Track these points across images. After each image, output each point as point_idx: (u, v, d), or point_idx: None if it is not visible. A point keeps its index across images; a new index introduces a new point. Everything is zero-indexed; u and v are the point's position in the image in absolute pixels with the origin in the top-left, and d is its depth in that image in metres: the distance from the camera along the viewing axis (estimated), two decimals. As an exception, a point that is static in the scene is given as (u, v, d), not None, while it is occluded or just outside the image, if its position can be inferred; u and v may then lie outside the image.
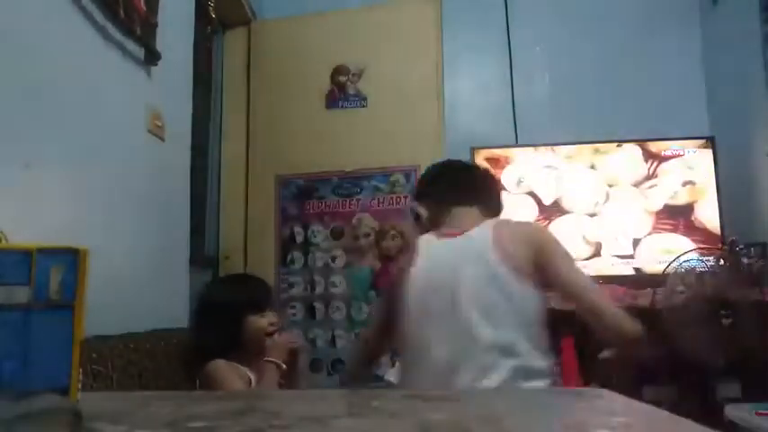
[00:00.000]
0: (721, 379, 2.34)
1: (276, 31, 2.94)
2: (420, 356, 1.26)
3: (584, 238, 2.66)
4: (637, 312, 1.23)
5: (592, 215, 2.67)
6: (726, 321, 2.08)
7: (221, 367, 1.32)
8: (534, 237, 1.30)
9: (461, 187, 1.45)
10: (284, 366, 1.37)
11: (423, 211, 1.46)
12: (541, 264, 1.23)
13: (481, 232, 1.29)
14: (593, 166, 2.71)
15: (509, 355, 1.19)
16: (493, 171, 2.18)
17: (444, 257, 1.30)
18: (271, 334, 1.41)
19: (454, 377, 1.18)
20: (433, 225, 1.43)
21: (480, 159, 2.73)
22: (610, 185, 2.68)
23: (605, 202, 2.67)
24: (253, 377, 1.37)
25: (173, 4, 1.92)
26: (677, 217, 2.63)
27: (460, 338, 1.21)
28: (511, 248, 1.23)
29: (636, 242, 2.62)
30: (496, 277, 1.21)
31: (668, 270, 2.28)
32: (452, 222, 1.39)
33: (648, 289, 2.29)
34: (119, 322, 1.38)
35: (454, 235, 1.33)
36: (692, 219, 2.62)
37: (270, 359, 1.36)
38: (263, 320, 1.42)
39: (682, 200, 2.65)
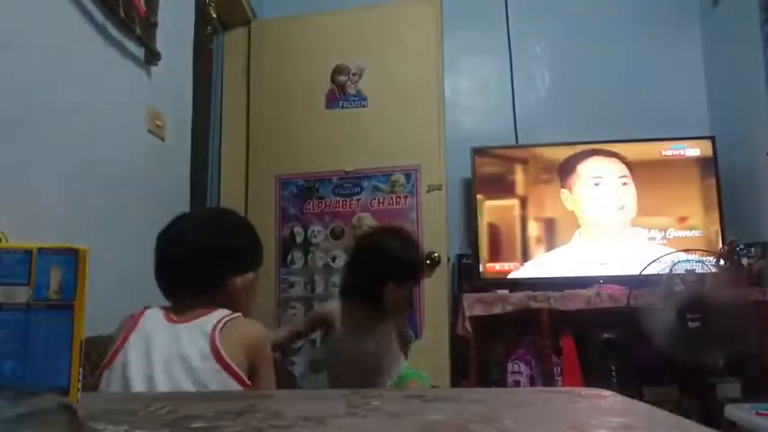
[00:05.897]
0: (721, 379, 2.34)
1: (276, 31, 2.94)
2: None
3: (583, 235, 2.66)
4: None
5: (592, 214, 2.67)
6: (693, 325, 2.15)
7: None
8: (253, 339, 1.24)
9: (184, 279, 1.27)
10: None
11: None
12: (252, 365, 1.20)
13: (201, 327, 1.18)
14: (594, 165, 2.71)
15: None
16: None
17: (163, 339, 1.18)
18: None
19: None
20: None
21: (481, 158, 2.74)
22: (609, 185, 2.68)
23: (605, 201, 2.67)
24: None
25: (173, 4, 1.92)
26: (677, 217, 2.63)
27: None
28: (228, 348, 1.16)
29: (636, 242, 2.62)
30: (198, 371, 1.13)
31: (667, 270, 2.28)
32: (177, 307, 1.25)
33: (646, 289, 2.29)
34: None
35: (175, 321, 1.21)
36: (692, 218, 2.62)
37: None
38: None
39: (681, 199, 2.65)
